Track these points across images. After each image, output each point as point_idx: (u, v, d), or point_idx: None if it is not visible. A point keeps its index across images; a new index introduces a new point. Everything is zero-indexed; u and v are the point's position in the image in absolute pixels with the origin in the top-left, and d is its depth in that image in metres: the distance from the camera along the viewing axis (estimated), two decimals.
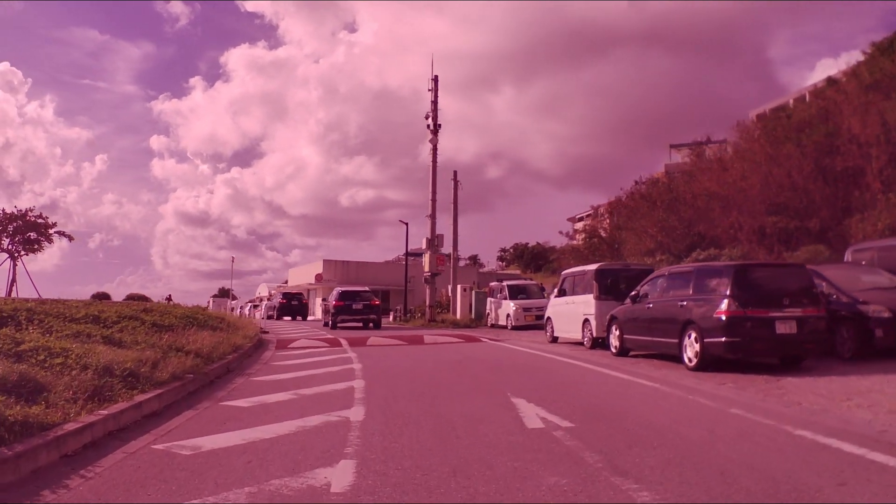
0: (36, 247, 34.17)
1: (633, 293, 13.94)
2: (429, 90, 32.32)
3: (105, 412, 6.43)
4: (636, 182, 62.68)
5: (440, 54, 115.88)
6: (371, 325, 28.10)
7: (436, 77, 32.60)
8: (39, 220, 34.04)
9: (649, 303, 13.25)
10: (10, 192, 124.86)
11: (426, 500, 4.18)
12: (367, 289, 31.17)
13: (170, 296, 54.42)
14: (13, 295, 29.53)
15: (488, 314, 30.06)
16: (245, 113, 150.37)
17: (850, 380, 9.40)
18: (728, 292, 11.11)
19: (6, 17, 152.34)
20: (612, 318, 14.58)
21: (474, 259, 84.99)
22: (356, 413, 7.12)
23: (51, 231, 34.52)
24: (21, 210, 33.61)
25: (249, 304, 43.19)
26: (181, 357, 9.80)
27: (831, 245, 24.10)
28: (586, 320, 16.26)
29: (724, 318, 10.97)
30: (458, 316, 31.43)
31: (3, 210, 33.56)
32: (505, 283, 28.94)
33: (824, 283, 12.55)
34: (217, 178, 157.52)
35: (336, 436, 6.04)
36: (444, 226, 40.63)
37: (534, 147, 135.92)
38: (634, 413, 7.12)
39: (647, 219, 47.59)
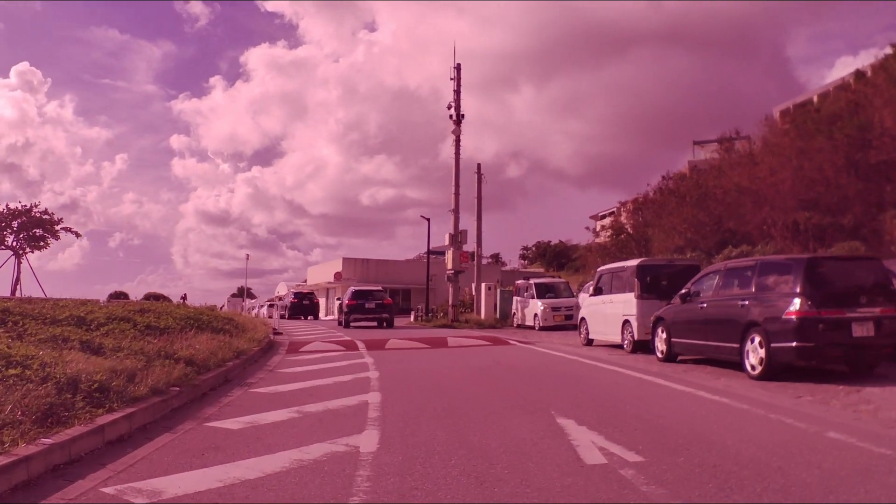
0: (42, 244, 33.22)
1: (682, 291, 12.48)
2: (451, 79, 30.97)
3: (50, 440, 5.12)
4: (663, 177, 61.11)
5: (460, 54, 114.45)
6: (384, 324, 28.25)
7: (458, 66, 31.22)
8: (45, 217, 33.04)
9: (702, 302, 11.79)
10: (31, 191, 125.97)
11: None
12: (380, 288, 31.37)
13: (185, 295, 53.59)
14: (17, 294, 28.65)
15: (514, 314, 28.65)
16: (265, 112, 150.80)
17: None
18: (798, 289, 9.68)
19: (26, 17, 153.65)
20: (659, 320, 13.12)
21: (496, 258, 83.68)
22: (368, 440, 5.75)
23: (57, 227, 33.51)
24: (25, 205, 32.72)
25: (267, 304, 42.06)
26: (168, 366, 8.50)
27: (866, 241, 23.32)
28: (626, 321, 14.81)
29: (794, 319, 9.55)
30: (483, 316, 30.02)
31: (7, 206, 32.62)
32: (532, 282, 27.51)
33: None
34: (238, 178, 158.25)
35: (340, 477, 4.67)
36: (467, 223, 39.70)
37: (554, 146, 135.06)
38: (713, 440, 5.69)
39: (676, 215, 46.13)
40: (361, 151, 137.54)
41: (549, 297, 26.31)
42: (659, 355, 12.93)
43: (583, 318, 17.18)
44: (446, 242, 30.19)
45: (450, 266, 30.15)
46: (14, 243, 32.46)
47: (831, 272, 10.20)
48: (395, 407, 7.41)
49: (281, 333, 22.37)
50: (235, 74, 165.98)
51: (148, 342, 9.90)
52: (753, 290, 10.54)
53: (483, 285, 30.75)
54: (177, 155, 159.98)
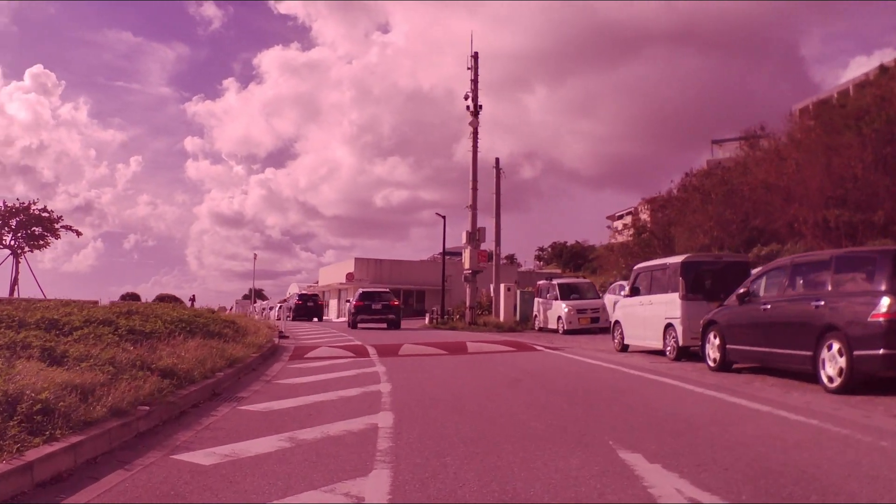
0: (41, 242, 32.03)
1: (740, 290, 11.02)
2: (468, 68, 29.55)
3: None
4: (686, 174, 59.59)
5: (467, 69, 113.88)
6: (391, 325, 28.83)
7: (475, 54, 29.83)
8: (44, 214, 31.82)
9: (764, 303, 10.34)
10: (45, 193, 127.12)
11: None
12: (388, 290, 32.22)
13: (193, 296, 52.70)
14: (15, 294, 27.53)
15: (535, 316, 27.22)
16: (278, 114, 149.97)
17: None
18: (884, 287, 8.28)
19: (39, 20, 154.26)
20: (710, 324, 11.66)
21: (511, 258, 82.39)
22: (376, 488, 4.33)
23: (57, 226, 32.31)
24: (24, 203, 31.47)
25: (278, 306, 40.93)
26: (141, 379, 7.15)
27: None
28: (669, 325, 13.34)
29: (882, 322, 8.11)
30: (502, 318, 28.61)
31: (4, 203, 31.37)
32: (555, 282, 26.07)
33: None
34: (251, 179, 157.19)
35: None
36: (484, 222, 38.35)
37: (567, 147, 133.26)
38: (828, 483, 4.26)
39: (700, 212, 44.73)
40: (375, 153, 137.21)
41: (574, 299, 24.85)
42: (710, 364, 11.49)
43: (616, 322, 15.71)
44: (463, 241, 28.74)
45: (467, 265, 28.70)
46: (12, 242, 31.27)
47: None
48: (411, 434, 6.00)
49: (287, 337, 21.05)
50: (249, 76, 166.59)
51: (124, 349, 8.56)
52: (829, 288, 9.10)
53: (502, 286, 29.31)
54: (191, 157, 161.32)
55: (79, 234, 34.53)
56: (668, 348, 13.35)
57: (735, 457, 5.04)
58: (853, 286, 8.88)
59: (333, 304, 66.36)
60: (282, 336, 20.81)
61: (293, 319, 41.21)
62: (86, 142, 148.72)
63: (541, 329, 26.40)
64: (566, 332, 23.78)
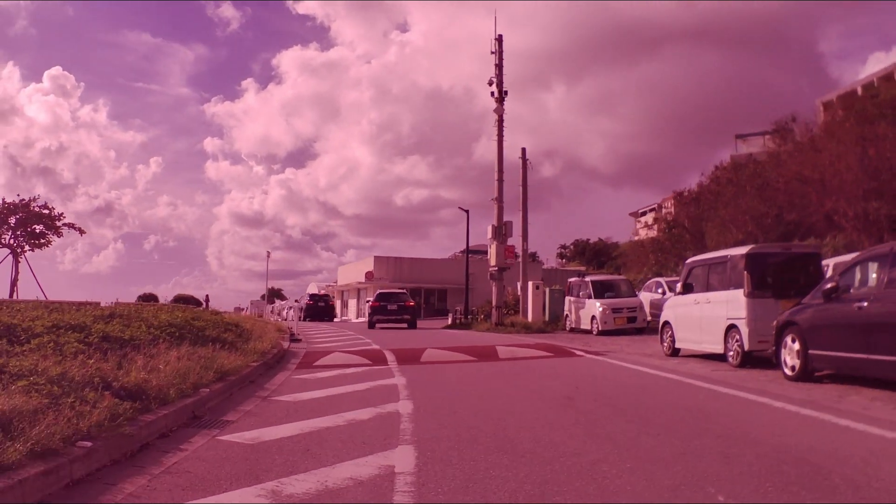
0: (42, 241, 30.70)
1: (827, 286, 9.27)
2: (492, 52, 27.82)
3: None
4: (716, 167, 57.67)
5: (490, 55, 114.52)
6: (406, 325, 29.58)
7: (500, 37, 28.11)
8: (44, 211, 30.47)
9: (860, 300, 8.60)
10: (65, 194, 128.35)
11: None
12: (404, 290, 33.42)
13: (207, 296, 51.68)
14: (14, 296, 26.26)
15: (566, 316, 25.49)
16: (298, 114, 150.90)
17: None
18: None
19: (58, 22, 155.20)
20: (788, 325, 9.93)
21: (533, 256, 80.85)
22: None
23: (59, 223, 30.97)
24: (24, 199, 29.99)
25: (288, 306, 39.70)
26: (91, 402, 5.59)
27: None
28: (732, 326, 11.62)
29: None
30: (530, 318, 26.89)
31: (3, 200, 29.93)
32: (588, 279, 24.33)
33: None
34: (271, 179, 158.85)
35: None
36: (509, 216, 36.71)
37: (587, 145, 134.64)
38: None
39: (733, 206, 42.87)
40: (395, 152, 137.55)
41: (609, 297, 23.09)
42: (787, 372, 9.76)
43: (666, 323, 13.97)
44: (488, 236, 27.00)
45: (493, 262, 26.97)
46: (11, 241, 29.95)
47: None
48: (441, 486, 4.35)
49: (299, 340, 19.53)
50: (268, 77, 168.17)
51: (84, 363, 7.00)
52: None
53: (530, 284, 27.57)
54: (210, 157, 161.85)
55: (82, 231, 33.27)
56: (731, 353, 11.62)
57: None
58: None
59: (353, 303, 64.93)
60: (293, 339, 19.30)
61: (303, 320, 40.87)
62: (105, 143, 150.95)
63: (572, 330, 24.68)
64: (601, 333, 22.06)
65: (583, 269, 69.53)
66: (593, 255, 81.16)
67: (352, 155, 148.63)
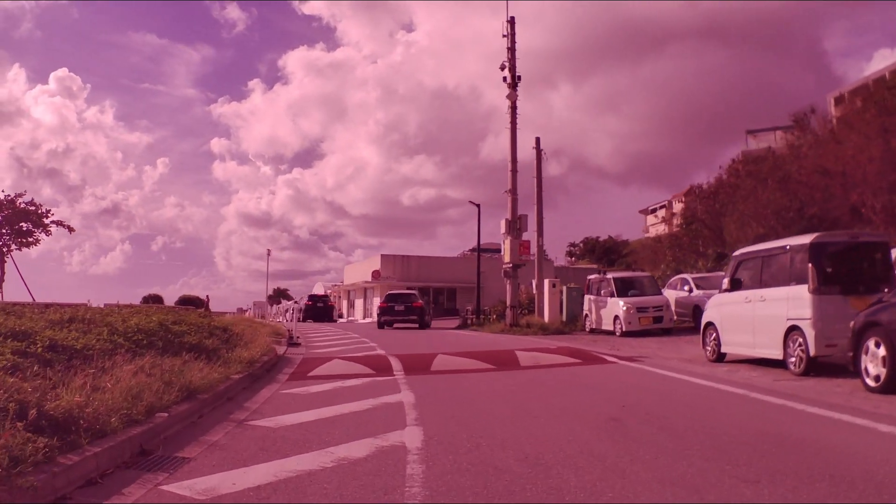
0: (30, 239, 29.27)
1: None
2: (503, 36, 26.20)
3: None
4: (733, 160, 56.04)
5: (495, 53, 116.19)
6: (417, 325, 30.05)
7: (512, 19, 26.48)
8: (31, 208, 28.97)
9: None
10: (72, 196, 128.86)
11: None
12: (413, 291, 34.08)
13: (208, 297, 50.62)
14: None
15: (586, 316, 23.89)
16: (304, 115, 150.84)
17: None
18: None
19: (63, 23, 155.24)
20: (869, 327, 8.38)
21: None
22: None
23: (47, 220, 29.48)
24: (9, 196, 28.43)
25: (287, 308, 38.32)
26: None
27: None
28: (794, 328, 10.04)
29: None
30: (547, 318, 25.29)
31: None
32: (610, 276, 22.72)
33: None
34: (278, 180, 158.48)
35: None
36: (522, 210, 35.03)
37: (593, 144, 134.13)
38: None
39: (752, 200, 41.37)
40: (401, 152, 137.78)
41: (633, 295, 21.48)
42: (870, 383, 8.21)
43: (710, 324, 12.37)
44: (502, 230, 25.38)
45: (507, 259, 25.33)
46: None
47: None
48: None
49: (298, 344, 18.01)
50: (274, 77, 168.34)
51: (1, 381, 5.49)
52: None
53: (546, 282, 25.96)
54: (217, 158, 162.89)
55: (71, 230, 31.61)
56: (793, 359, 10.03)
57: None
58: None
59: (359, 303, 63.40)
60: (291, 343, 17.78)
61: (302, 321, 40.59)
62: (112, 144, 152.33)
63: (592, 331, 23.09)
64: (624, 335, 20.48)
65: (595, 266, 67.94)
66: (603, 252, 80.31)
67: (359, 155, 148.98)
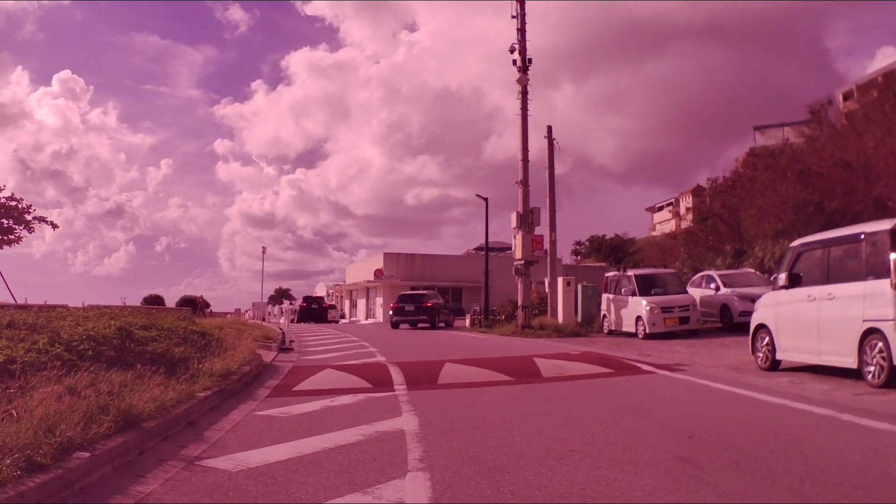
0: (11, 237, 27.73)
1: None
2: (513, 16, 24.63)
3: None
4: (749, 151, 54.53)
5: (496, 53, 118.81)
6: (427, 325, 30.53)
7: None
8: (11, 203, 27.39)
9: None
10: (76, 197, 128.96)
11: None
12: (425, 292, 34.22)
13: (201, 297, 49.68)
14: None
15: (604, 316, 22.30)
16: (307, 115, 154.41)
17: None
18: None
19: (66, 25, 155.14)
20: None
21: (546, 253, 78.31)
22: None
23: (29, 217, 27.97)
24: None
25: (282, 309, 37.27)
26: None
27: None
28: (871, 332, 8.46)
29: None
30: (561, 319, 23.71)
31: None
32: (631, 273, 21.10)
33: None
34: (282, 180, 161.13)
35: None
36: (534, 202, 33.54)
37: (596, 143, 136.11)
38: None
39: (770, 194, 40.02)
40: (405, 152, 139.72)
41: (656, 294, 19.89)
42: None
43: (761, 326, 10.77)
44: (513, 225, 23.74)
45: (519, 255, 23.69)
46: None
47: None
48: None
49: (290, 350, 16.50)
50: (277, 78, 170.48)
51: None
52: None
53: (560, 280, 24.37)
54: (221, 159, 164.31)
55: (55, 226, 30.10)
56: (871, 368, 8.44)
57: None
58: None
59: (362, 303, 61.84)
60: (283, 349, 16.25)
61: (297, 322, 41.31)
62: (115, 146, 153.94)
63: (611, 332, 21.51)
64: (647, 337, 18.92)
65: (603, 265, 66.33)
66: (610, 251, 79.51)
67: (362, 155, 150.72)
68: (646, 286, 20.27)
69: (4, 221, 27.28)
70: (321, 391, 8.92)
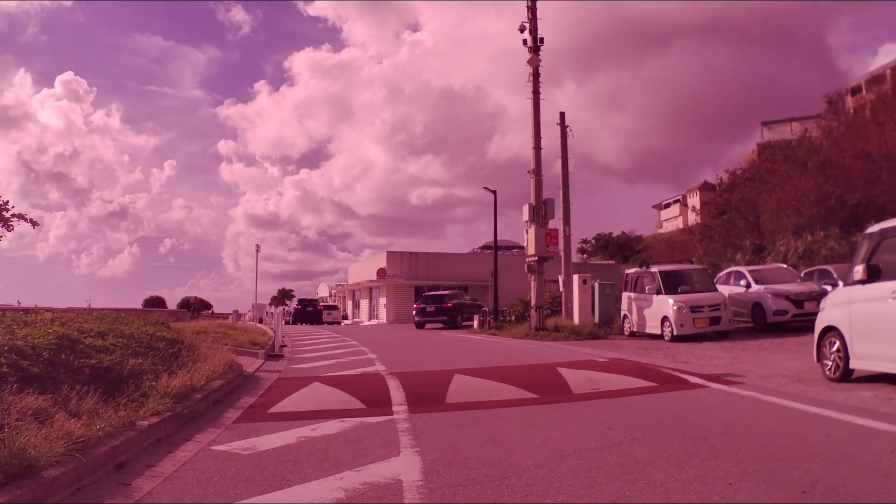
0: None
1: None
2: None
3: None
4: (765, 144, 52.91)
5: (499, 53, 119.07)
6: (446, 325, 31.11)
7: None
8: None
9: None
10: (79, 199, 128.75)
11: None
12: (446, 292, 35.05)
13: (194, 298, 48.72)
14: None
15: (624, 317, 20.62)
16: (311, 116, 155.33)
17: None
18: None
19: (68, 27, 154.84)
20: None
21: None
22: None
23: (7, 214, 26.34)
24: None
25: (278, 311, 35.86)
26: None
27: None
28: None
29: None
30: (577, 320, 22.04)
31: None
32: (655, 269, 19.39)
33: None
34: (286, 181, 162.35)
35: None
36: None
37: (599, 142, 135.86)
38: None
39: (789, 186, 38.64)
40: (408, 151, 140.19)
41: (684, 292, 18.23)
42: None
43: (830, 329, 9.07)
44: (525, 218, 22.01)
45: (532, 251, 21.96)
46: None
47: None
48: None
49: (280, 357, 14.90)
50: (280, 79, 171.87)
51: None
52: None
53: (576, 277, 22.68)
54: (225, 160, 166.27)
55: (35, 224, 28.34)
56: None
57: None
58: None
59: (365, 304, 60.17)
60: (271, 356, 14.65)
61: (292, 323, 44.24)
62: (119, 147, 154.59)
63: (632, 334, 19.85)
64: (675, 339, 17.26)
65: (612, 262, 64.64)
66: (616, 248, 78.38)
67: (366, 155, 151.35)
68: (672, 283, 18.58)
69: None
70: (302, 414, 7.28)
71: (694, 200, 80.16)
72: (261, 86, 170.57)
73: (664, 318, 18.00)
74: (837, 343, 8.92)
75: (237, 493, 4.39)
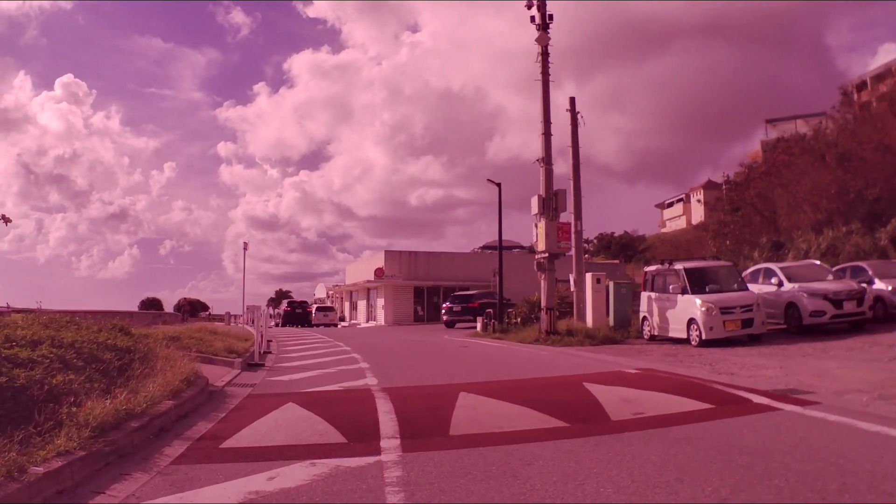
0: None
1: None
2: None
3: None
4: (778, 139, 51.59)
5: (499, 54, 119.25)
6: (473, 325, 30.25)
7: None
8: None
9: None
10: (79, 201, 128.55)
11: None
12: (473, 292, 36.11)
13: (184, 299, 47.75)
14: None
15: (644, 319, 18.98)
16: (311, 117, 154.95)
17: None
18: None
19: (68, 29, 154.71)
20: None
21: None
22: None
23: None
24: None
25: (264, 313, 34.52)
26: None
27: None
28: None
29: None
30: (590, 322, 20.41)
31: None
32: (679, 266, 17.73)
33: None
34: (285, 182, 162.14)
35: None
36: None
37: (599, 142, 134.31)
38: None
39: (807, 180, 37.23)
40: (408, 152, 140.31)
41: (712, 291, 16.60)
42: None
43: None
44: (534, 211, 20.31)
45: (541, 247, 20.25)
46: None
47: None
48: None
49: (261, 365, 13.28)
50: (280, 80, 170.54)
51: None
52: None
53: (589, 276, 21.03)
54: (224, 162, 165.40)
55: (7, 221, 26.88)
56: None
57: None
58: None
59: (362, 305, 58.52)
60: (250, 364, 13.04)
61: (281, 326, 45.38)
62: (119, 149, 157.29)
63: (653, 338, 18.23)
64: (703, 344, 15.66)
65: (617, 262, 62.93)
66: (620, 248, 76.96)
67: (365, 156, 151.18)
68: (698, 282, 16.95)
69: None
70: (262, 452, 5.63)
71: (698, 198, 79.17)
72: (260, 87, 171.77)
73: (691, 321, 16.38)
74: None
75: None
